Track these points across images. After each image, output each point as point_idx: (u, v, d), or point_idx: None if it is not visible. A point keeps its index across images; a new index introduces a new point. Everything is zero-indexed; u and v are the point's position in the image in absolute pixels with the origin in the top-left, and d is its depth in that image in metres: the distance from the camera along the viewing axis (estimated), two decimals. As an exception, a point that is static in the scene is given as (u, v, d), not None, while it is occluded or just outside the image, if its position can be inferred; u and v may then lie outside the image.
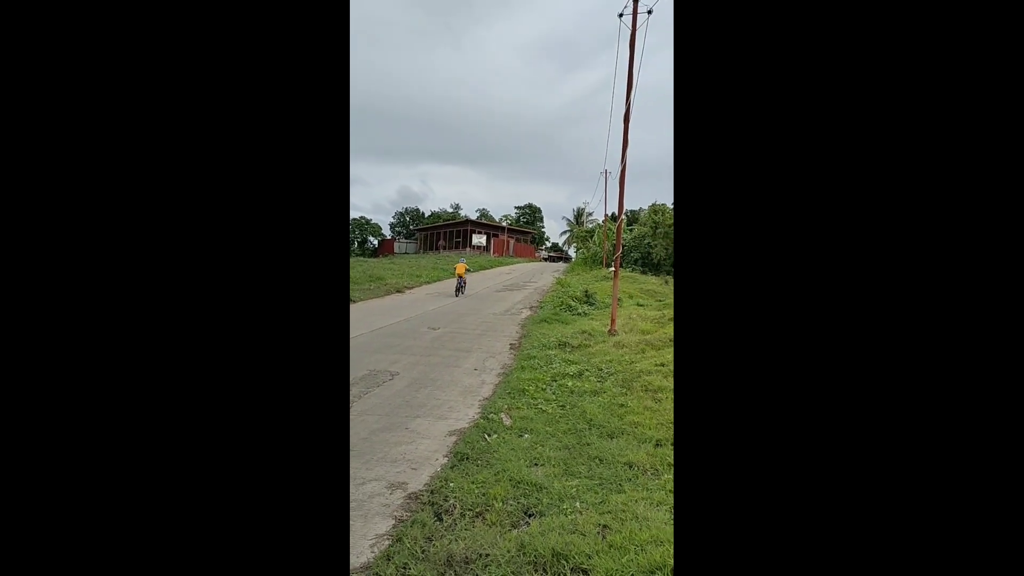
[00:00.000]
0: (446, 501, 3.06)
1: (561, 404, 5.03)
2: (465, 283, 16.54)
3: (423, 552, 2.54)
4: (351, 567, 2.44)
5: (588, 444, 3.95)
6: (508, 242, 50.02)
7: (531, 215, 73.10)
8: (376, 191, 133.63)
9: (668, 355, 6.83)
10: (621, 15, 9.44)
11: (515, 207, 75.64)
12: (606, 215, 30.69)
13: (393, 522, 2.87)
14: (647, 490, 3.19)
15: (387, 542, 2.66)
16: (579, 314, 11.74)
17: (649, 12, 9.32)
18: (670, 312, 11.26)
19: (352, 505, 3.04)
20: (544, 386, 5.67)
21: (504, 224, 57.13)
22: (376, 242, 63.35)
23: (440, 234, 52.12)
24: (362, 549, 2.60)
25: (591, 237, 36.81)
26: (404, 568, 2.42)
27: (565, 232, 60.94)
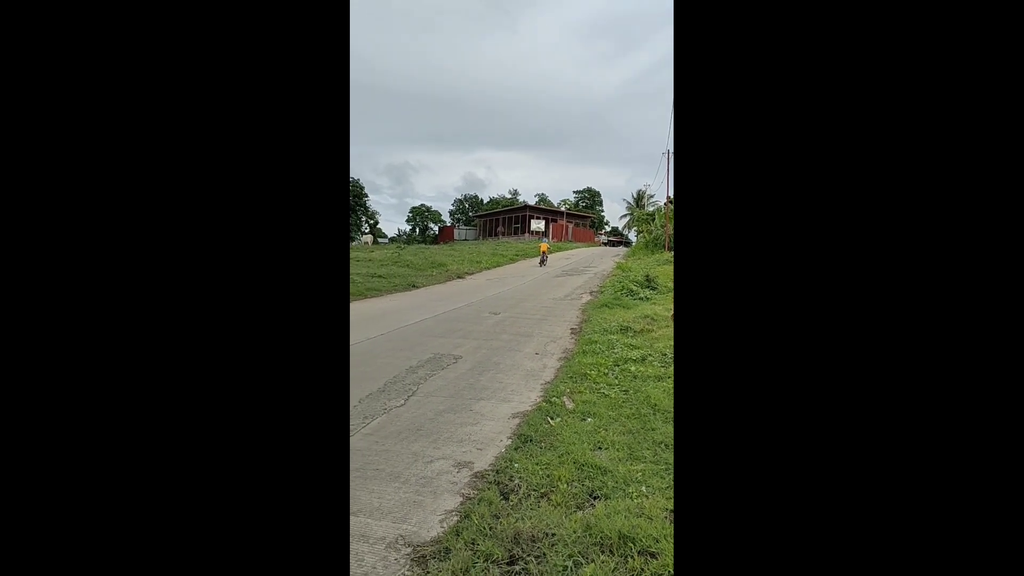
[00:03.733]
0: (511, 481, 3.12)
1: (624, 389, 4.98)
2: (547, 257, 23.25)
3: (491, 529, 2.61)
4: (422, 540, 2.55)
5: (653, 429, 3.90)
6: (567, 227, 49.66)
7: (590, 199, 72.17)
8: (440, 178, 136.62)
9: (736, 340, 6.60)
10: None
11: (573, 191, 75.07)
12: (668, 197, 29.79)
13: (461, 499, 2.96)
14: (715, 477, 3.12)
15: (455, 518, 2.75)
16: (641, 299, 11.52)
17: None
18: (737, 296, 10.83)
19: (422, 482, 3.16)
20: (606, 371, 5.62)
21: (563, 209, 56.67)
22: (437, 229, 64.58)
23: (499, 220, 52.45)
24: (432, 524, 2.70)
25: (652, 220, 35.90)
26: (473, 543, 2.49)
27: (625, 216, 59.78)
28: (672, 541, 2.41)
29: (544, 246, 23.96)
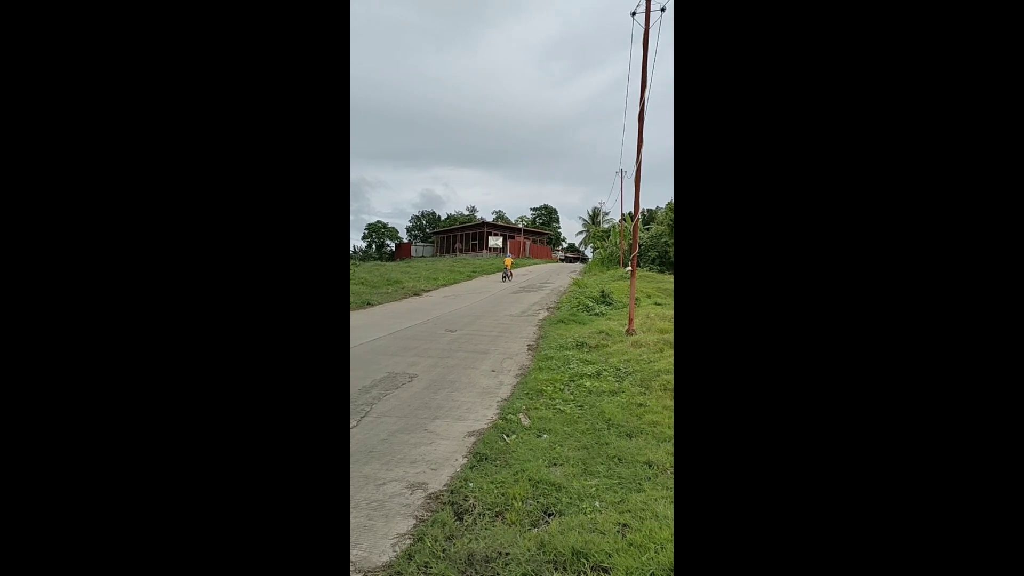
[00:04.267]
0: (466, 501, 3.08)
1: (579, 404, 5.03)
2: (511, 272, 23.40)
3: (444, 551, 2.56)
4: (373, 566, 2.48)
5: (607, 444, 3.94)
6: (524, 243, 50.04)
7: (547, 216, 73.10)
8: (398, 194, 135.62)
9: (687, 354, 6.77)
10: (634, 13, 9.41)
11: (531, 208, 75.81)
12: (623, 214, 30.57)
13: (414, 522, 2.90)
14: (666, 489, 3.17)
15: (408, 541, 2.69)
16: (596, 314, 11.69)
17: (662, 10, 9.27)
18: (688, 311, 11.12)
19: (373, 505, 3.08)
20: (562, 386, 5.67)
21: (520, 226, 57.16)
22: (393, 246, 63.84)
23: (456, 237, 52.38)
24: (384, 548, 2.63)
25: (608, 237, 36.67)
26: (425, 567, 2.44)
27: (581, 232, 60.88)
28: (624, 555, 2.44)
29: (508, 261, 25.12)
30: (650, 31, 9.18)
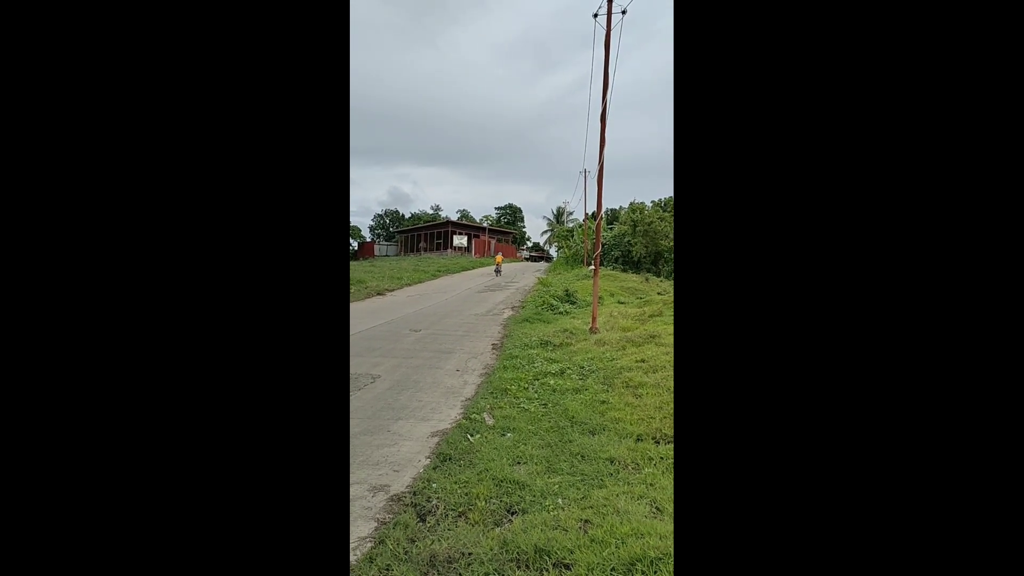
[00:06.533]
0: (429, 502, 3.06)
1: (543, 402, 5.06)
2: (501, 268, 27.14)
3: (406, 553, 2.54)
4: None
5: (570, 441, 3.98)
6: (489, 242, 49.99)
7: (512, 215, 73.21)
8: (363, 191, 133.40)
9: (648, 351, 6.91)
10: (596, 15, 9.52)
11: (495, 208, 75.82)
12: (586, 214, 30.91)
13: (376, 524, 2.86)
14: (628, 484, 3.23)
15: (369, 544, 2.65)
16: (561, 313, 11.79)
17: (623, 12, 9.41)
18: (650, 309, 11.37)
19: (334, 509, 3.01)
20: (526, 385, 5.69)
21: (485, 225, 57.06)
22: (356, 245, 62.80)
23: (421, 236, 51.90)
24: (344, 553, 2.58)
25: (572, 236, 36.98)
26: (387, 570, 2.41)
27: (546, 232, 61.19)
28: (586, 551, 2.46)
29: (499, 258, 27.92)
30: (611, 33, 9.30)
